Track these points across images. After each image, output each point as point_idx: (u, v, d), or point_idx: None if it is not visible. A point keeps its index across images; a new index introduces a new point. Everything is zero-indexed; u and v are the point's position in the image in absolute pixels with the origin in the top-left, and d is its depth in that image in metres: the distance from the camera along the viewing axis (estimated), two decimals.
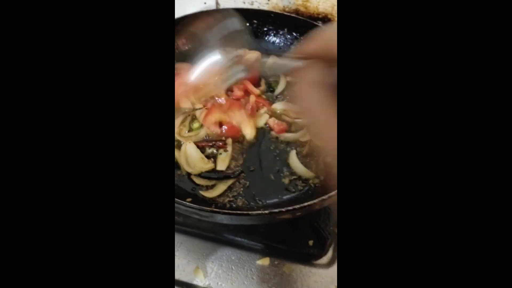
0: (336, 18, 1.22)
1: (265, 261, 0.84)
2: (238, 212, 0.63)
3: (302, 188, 0.86)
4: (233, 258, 0.85)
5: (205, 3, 1.26)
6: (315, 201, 0.66)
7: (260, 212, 0.64)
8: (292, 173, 0.88)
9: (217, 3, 1.26)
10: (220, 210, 0.63)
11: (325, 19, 1.22)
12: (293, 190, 0.85)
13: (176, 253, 0.85)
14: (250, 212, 0.63)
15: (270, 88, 1.07)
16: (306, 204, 0.64)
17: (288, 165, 0.89)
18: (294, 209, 0.64)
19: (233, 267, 0.83)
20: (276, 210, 0.64)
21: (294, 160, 0.88)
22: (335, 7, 1.18)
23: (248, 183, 0.86)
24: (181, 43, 1.11)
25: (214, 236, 0.87)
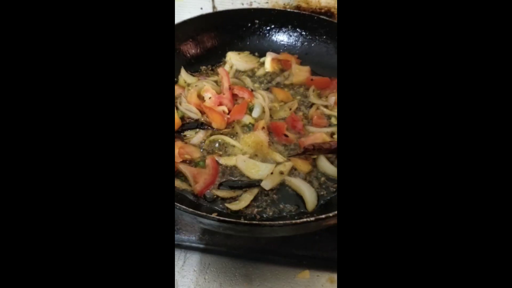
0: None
1: (305, 275, 0.76)
2: (281, 223, 0.56)
3: (334, 189, 0.79)
4: (268, 274, 0.76)
5: (201, 8, 1.20)
6: None
7: (305, 220, 0.56)
8: (322, 175, 0.81)
9: (214, 7, 1.20)
10: (262, 223, 0.55)
11: (328, 13, 1.18)
12: (325, 193, 0.78)
13: (205, 276, 0.76)
14: (294, 221, 0.56)
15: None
16: None
17: (316, 167, 0.82)
18: None
19: (270, 285, 0.75)
20: (323, 216, 0.57)
21: (322, 160, 0.81)
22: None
23: (274, 190, 0.78)
24: (184, 49, 1.05)
25: (243, 253, 0.79)
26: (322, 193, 0.78)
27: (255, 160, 0.82)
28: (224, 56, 1.10)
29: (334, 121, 0.93)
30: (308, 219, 0.56)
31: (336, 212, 0.58)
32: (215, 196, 0.77)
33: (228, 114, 0.92)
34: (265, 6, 1.19)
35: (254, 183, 0.78)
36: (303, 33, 1.10)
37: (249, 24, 1.11)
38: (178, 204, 0.60)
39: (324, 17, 1.12)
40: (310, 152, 0.84)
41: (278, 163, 0.82)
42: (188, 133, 0.88)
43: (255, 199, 0.77)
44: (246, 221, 0.58)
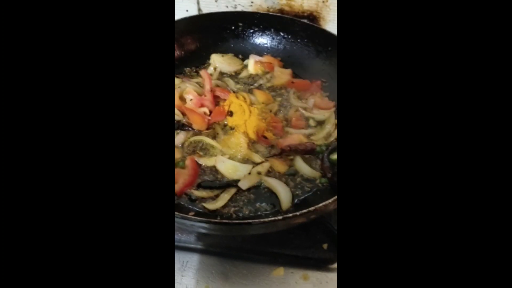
0: (320, 16, 1.20)
1: (279, 272, 0.78)
2: (251, 221, 0.58)
3: (309, 189, 0.81)
4: (244, 272, 0.79)
5: (187, 10, 1.22)
6: (330, 200, 0.61)
7: (273, 218, 0.59)
8: (298, 175, 0.84)
9: (199, 10, 1.22)
10: (232, 222, 0.58)
11: (311, 17, 1.20)
12: (300, 192, 0.81)
13: (183, 273, 0.78)
14: (262, 220, 0.58)
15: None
16: (321, 204, 0.60)
17: (292, 167, 0.85)
18: (309, 211, 0.60)
19: (245, 282, 0.78)
20: (290, 215, 0.59)
21: (299, 161, 0.84)
22: (320, 4, 1.16)
23: (251, 190, 0.81)
24: None
25: (221, 251, 0.81)
26: (297, 192, 0.80)
27: (234, 161, 0.84)
28: (208, 58, 1.12)
29: (312, 123, 0.95)
30: (276, 218, 0.58)
31: (304, 211, 0.61)
32: (194, 196, 0.79)
33: (209, 115, 0.94)
34: (249, 9, 1.21)
35: (232, 183, 0.81)
36: (286, 36, 1.12)
37: (233, 27, 1.13)
38: None
39: (306, 21, 1.15)
40: (287, 153, 0.86)
41: (256, 164, 0.84)
42: None
43: (232, 198, 0.79)
44: (217, 220, 0.60)
